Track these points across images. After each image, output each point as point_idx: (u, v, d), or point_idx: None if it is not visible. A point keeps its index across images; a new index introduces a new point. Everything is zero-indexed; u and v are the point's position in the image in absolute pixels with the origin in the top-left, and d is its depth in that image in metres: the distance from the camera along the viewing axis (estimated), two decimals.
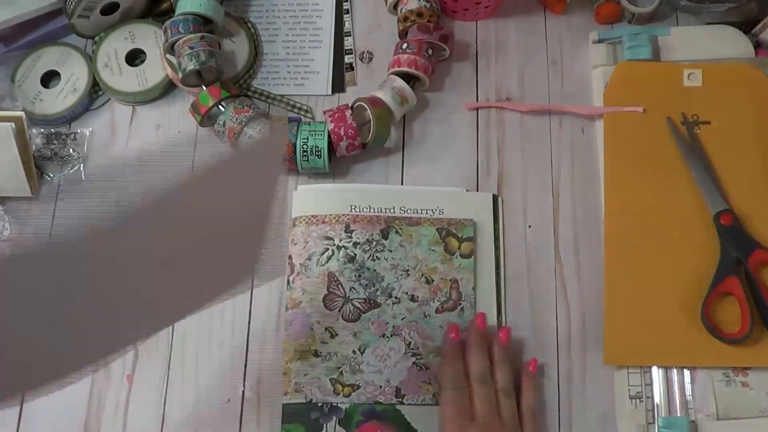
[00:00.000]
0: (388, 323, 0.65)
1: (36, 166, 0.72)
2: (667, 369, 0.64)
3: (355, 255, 0.67)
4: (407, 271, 0.67)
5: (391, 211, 0.69)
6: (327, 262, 0.67)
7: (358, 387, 0.63)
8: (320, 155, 0.68)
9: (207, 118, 0.71)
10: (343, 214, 0.68)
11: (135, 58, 0.76)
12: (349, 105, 0.71)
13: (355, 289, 0.66)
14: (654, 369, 0.64)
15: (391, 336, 0.65)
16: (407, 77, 0.72)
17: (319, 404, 0.63)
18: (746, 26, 0.74)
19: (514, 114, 0.74)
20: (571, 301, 0.67)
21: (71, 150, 0.73)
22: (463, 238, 0.68)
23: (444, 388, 0.61)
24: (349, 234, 0.68)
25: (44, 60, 0.76)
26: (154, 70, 0.75)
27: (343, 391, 0.63)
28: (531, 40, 0.77)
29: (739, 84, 0.71)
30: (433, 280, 0.67)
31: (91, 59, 0.76)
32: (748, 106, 0.70)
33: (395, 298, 0.66)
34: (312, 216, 0.68)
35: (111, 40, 0.76)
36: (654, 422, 0.62)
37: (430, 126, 0.74)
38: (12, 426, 0.65)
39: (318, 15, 0.79)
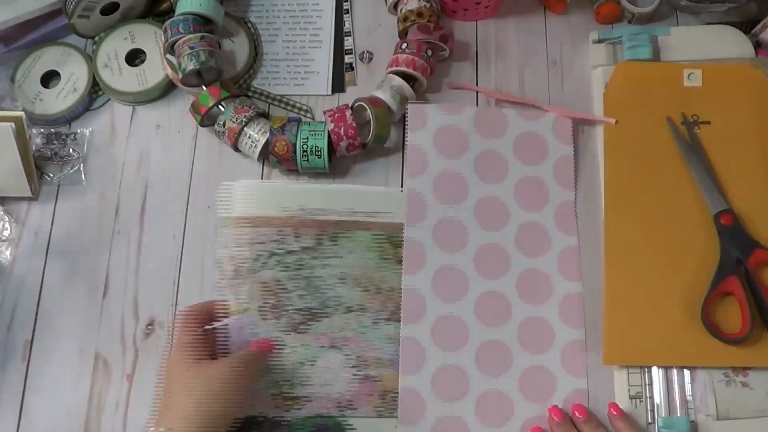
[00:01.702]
0: (328, 334, 0.63)
1: (36, 166, 0.72)
2: (667, 369, 0.64)
3: (290, 262, 0.64)
4: (346, 278, 0.64)
5: (325, 213, 0.66)
6: (261, 269, 0.63)
7: (302, 400, 0.61)
8: (320, 155, 0.68)
9: (207, 118, 0.71)
10: (274, 217, 0.65)
11: (135, 58, 0.76)
12: (349, 105, 0.71)
13: (292, 298, 0.63)
14: (654, 369, 0.64)
15: (335, 347, 0.63)
16: (405, 78, 0.72)
17: (260, 419, 0.61)
18: (746, 26, 0.74)
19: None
20: None
21: (71, 150, 0.73)
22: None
23: None
24: (283, 239, 0.64)
25: (44, 60, 0.76)
26: (154, 70, 0.75)
27: (285, 404, 0.61)
28: (531, 40, 0.77)
29: (739, 84, 0.71)
30: (380, 289, 0.65)
31: (91, 59, 0.76)
32: (748, 106, 0.70)
33: (336, 307, 0.64)
34: (240, 217, 0.64)
35: (111, 40, 0.76)
36: (654, 422, 0.62)
37: None
38: (12, 426, 0.65)
39: (318, 15, 0.79)
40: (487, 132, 0.70)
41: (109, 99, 0.76)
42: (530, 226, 0.68)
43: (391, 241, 0.66)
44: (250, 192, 0.67)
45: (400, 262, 0.65)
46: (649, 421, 0.63)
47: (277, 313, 0.63)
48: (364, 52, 0.77)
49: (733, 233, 0.65)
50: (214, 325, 0.61)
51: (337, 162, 0.71)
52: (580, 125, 0.73)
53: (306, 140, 0.68)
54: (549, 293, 0.66)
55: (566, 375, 0.64)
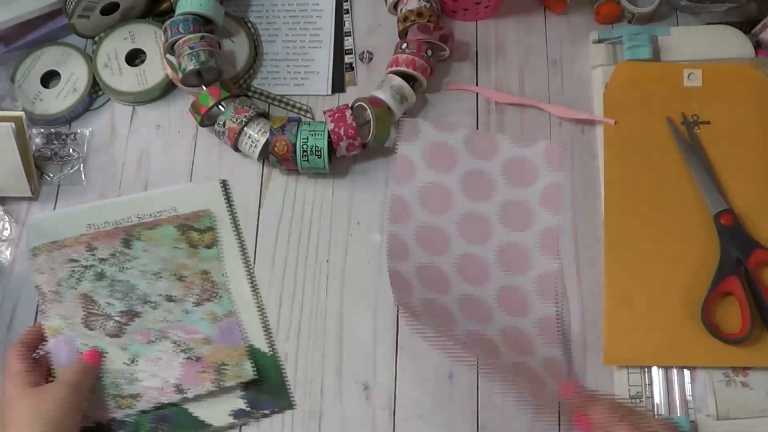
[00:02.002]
0: (151, 329, 0.65)
1: (36, 166, 0.72)
2: (667, 369, 0.64)
3: (104, 271, 0.67)
4: (157, 273, 0.67)
5: (128, 220, 0.69)
6: (78, 284, 0.66)
7: (138, 396, 0.63)
8: (320, 155, 0.68)
9: (207, 118, 0.71)
10: (82, 235, 0.68)
11: (135, 58, 0.76)
12: (349, 105, 0.71)
13: (111, 304, 0.66)
14: (654, 369, 0.64)
15: (158, 340, 0.65)
16: (405, 78, 0.72)
17: (105, 423, 0.63)
18: (746, 26, 0.74)
19: (514, 114, 0.74)
20: (571, 301, 0.67)
21: (71, 150, 0.73)
22: (202, 229, 0.69)
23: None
24: (93, 252, 0.67)
25: (44, 60, 0.76)
26: (154, 70, 0.75)
27: (123, 402, 0.63)
28: (531, 40, 0.77)
29: (739, 84, 0.71)
30: (184, 277, 0.67)
31: (91, 59, 0.76)
32: (748, 106, 0.70)
33: (152, 303, 0.66)
34: (51, 243, 0.67)
35: (111, 40, 0.76)
36: None
37: None
38: None
39: (318, 15, 0.79)
40: (477, 153, 0.69)
41: (109, 99, 0.76)
42: (512, 245, 0.67)
43: (190, 228, 0.69)
44: (54, 220, 0.70)
45: (196, 246, 0.69)
46: None
47: (100, 320, 0.65)
48: (364, 52, 0.77)
49: (733, 233, 0.65)
50: (42, 351, 0.63)
51: (337, 162, 0.71)
52: (580, 125, 0.73)
53: (306, 140, 0.68)
54: (526, 311, 0.64)
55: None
